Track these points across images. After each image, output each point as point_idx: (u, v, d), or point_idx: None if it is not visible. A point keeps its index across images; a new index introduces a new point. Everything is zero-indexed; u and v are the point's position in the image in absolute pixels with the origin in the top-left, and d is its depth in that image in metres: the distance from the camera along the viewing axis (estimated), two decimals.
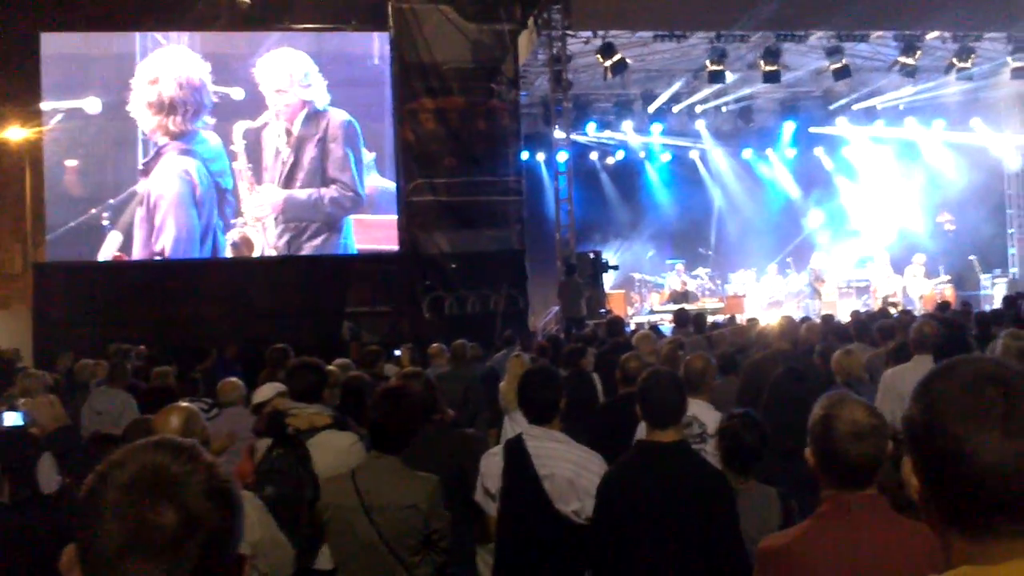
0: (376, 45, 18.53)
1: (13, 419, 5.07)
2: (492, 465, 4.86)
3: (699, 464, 4.17)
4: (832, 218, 25.90)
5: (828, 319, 12.52)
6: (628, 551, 3.99)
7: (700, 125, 24.96)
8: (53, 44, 17.58)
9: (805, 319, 13.42)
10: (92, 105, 17.52)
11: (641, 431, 4.43)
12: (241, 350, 13.10)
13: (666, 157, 25.96)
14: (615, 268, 20.53)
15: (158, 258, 17.56)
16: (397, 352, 11.21)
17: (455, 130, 17.85)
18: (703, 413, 5.50)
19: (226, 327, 15.27)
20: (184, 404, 4.49)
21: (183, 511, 1.44)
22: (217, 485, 1.50)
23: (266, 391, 6.40)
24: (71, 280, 16.84)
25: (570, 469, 4.49)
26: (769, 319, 14.55)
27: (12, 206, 17.50)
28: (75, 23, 17.37)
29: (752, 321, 12.76)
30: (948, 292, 21.40)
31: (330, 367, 8.93)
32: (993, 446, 1.43)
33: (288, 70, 18.19)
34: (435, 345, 10.69)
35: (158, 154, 17.69)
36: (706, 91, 22.70)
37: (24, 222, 17.15)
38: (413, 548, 4.26)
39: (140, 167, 17.66)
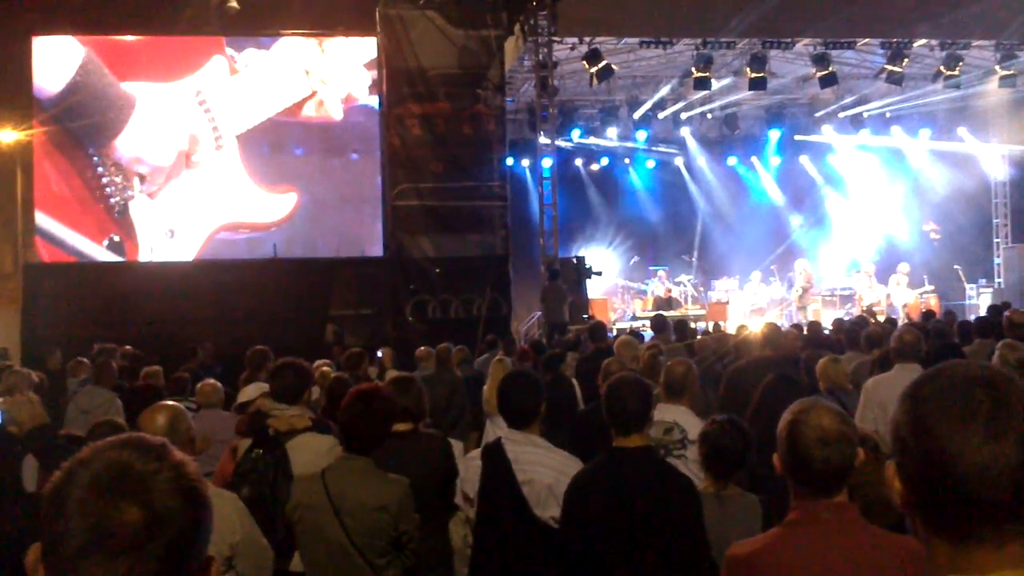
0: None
1: None
2: (471, 469, 4.87)
3: (665, 470, 4.17)
4: (817, 226, 26.01)
5: (813, 327, 12.58)
6: (594, 556, 4.00)
7: (685, 132, 25.04)
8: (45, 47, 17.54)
9: (795, 326, 13.51)
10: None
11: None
12: (220, 350, 13.08)
13: (651, 164, 26.04)
14: (598, 274, 20.57)
15: (146, 260, 17.56)
16: (379, 354, 11.25)
17: (441, 135, 17.88)
18: (684, 419, 5.48)
19: (212, 329, 15.25)
20: (171, 403, 4.51)
21: (148, 510, 1.43)
22: (185, 484, 1.49)
23: (251, 391, 6.43)
24: (61, 281, 16.82)
25: (549, 475, 4.49)
26: (753, 327, 14.61)
27: (3, 207, 17.45)
28: (66, 27, 17.35)
29: (740, 328, 12.82)
30: (932, 302, 21.50)
31: (324, 368, 9.00)
32: (976, 447, 1.42)
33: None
34: (422, 348, 10.74)
35: None
36: (692, 98, 22.78)
37: (15, 223, 17.10)
38: (381, 550, 4.26)
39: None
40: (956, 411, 1.46)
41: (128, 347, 12.29)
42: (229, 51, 18.07)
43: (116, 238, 17.61)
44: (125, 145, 17.61)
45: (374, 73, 18.27)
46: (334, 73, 18.36)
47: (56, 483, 1.47)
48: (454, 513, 5.21)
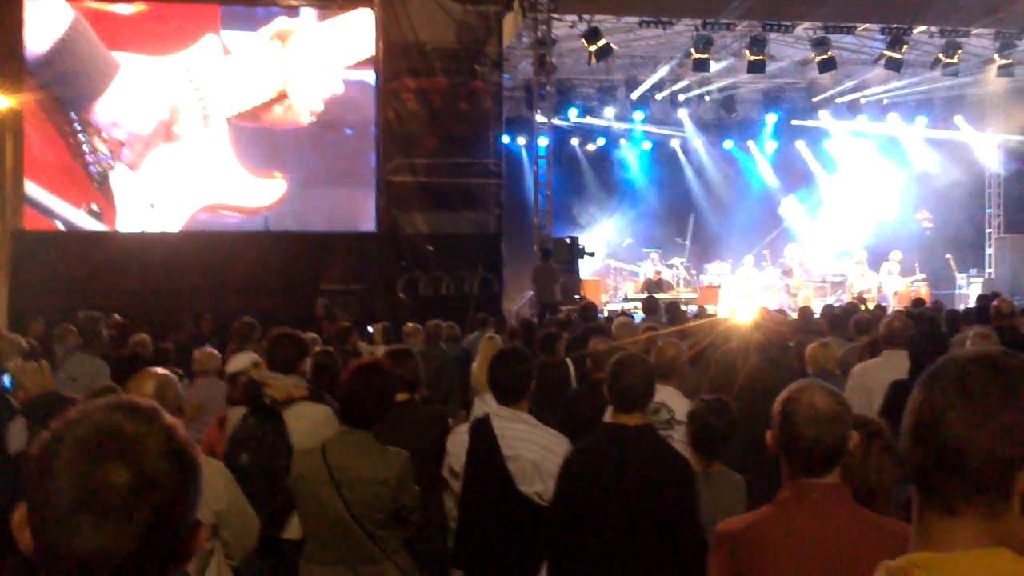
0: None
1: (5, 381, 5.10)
2: (458, 444, 4.91)
3: (662, 448, 4.18)
4: (810, 212, 26.00)
5: (804, 312, 12.58)
6: (586, 532, 4.01)
7: (682, 114, 24.98)
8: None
9: (780, 311, 13.51)
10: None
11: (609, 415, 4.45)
12: (216, 323, 13.05)
13: (647, 145, 25.97)
14: (591, 255, 20.56)
15: (136, 230, 17.47)
16: (370, 329, 11.22)
17: (437, 111, 17.78)
18: (672, 400, 5.51)
19: (202, 300, 15.20)
20: (160, 370, 4.47)
21: (137, 471, 1.41)
22: (175, 447, 1.47)
23: (241, 360, 6.40)
24: (49, 249, 16.73)
25: (536, 451, 4.51)
26: (745, 311, 14.60)
27: None
28: None
29: (732, 312, 12.81)
30: (923, 290, 21.53)
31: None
32: (966, 418, 1.45)
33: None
34: (410, 324, 10.73)
35: None
36: (690, 79, 22.71)
37: (3, 190, 16.97)
38: (381, 522, 4.28)
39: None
40: (956, 384, 1.49)
41: (116, 315, 12.24)
42: (223, 32, 17.90)
43: (96, 207, 17.49)
44: (104, 109, 17.39)
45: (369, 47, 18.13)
46: (324, 53, 18.18)
47: (44, 444, 1.44)
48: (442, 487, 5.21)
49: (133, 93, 17.49)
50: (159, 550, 1.44)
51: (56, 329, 10.26)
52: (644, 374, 4.20)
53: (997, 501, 1.45)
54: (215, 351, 7.61)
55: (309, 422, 5.01)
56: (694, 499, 3.99)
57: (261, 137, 18.17)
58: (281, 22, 18.09)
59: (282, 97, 18.05)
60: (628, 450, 4.04)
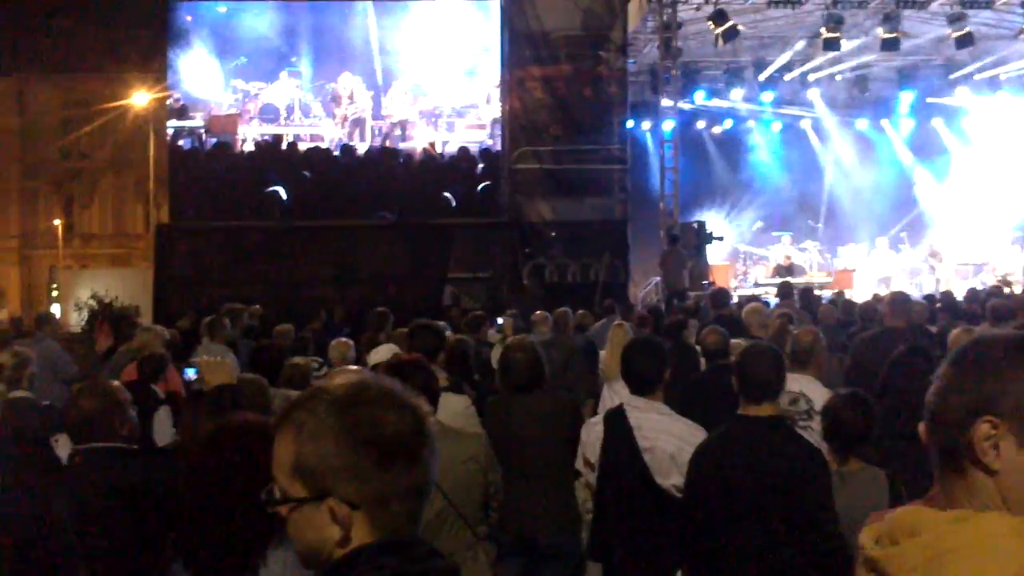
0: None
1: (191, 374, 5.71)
2: (593, 435, 4.86)
3: (794, 440, 4.06)
4: (950, 193, 25.08)
5: (947, 297, 12.19)
6: (718, 526, 3.95)
7: (813, 94, 24.36)
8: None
9: (928, 296, 13.10)
10: None
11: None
12: (348, 312, 13.39)
13: (776, 126, 25.46)
14: (719, 239, 20.26)
15: (273, 223, 18.05)
16: (500, 320, 11.31)
17: (561, 98, 17.82)
18: (811, 389, 5.34)
19: (333, 290, 15.62)
20: (354, 368, 4.62)
21: None
22: None
23: (383, 352, 6.54)
24: (191, 241, 17.42)
25: (672, 443, 4.45)
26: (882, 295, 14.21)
27: (136, 168, 18.13)
28: None
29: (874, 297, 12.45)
30: None
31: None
32: (942, 384, 1.61)
33: None
34: (539, 313, 10.77)
35: None
36: (820, 59, 22.14)
37: (147, 184, 17.76)
38: (478, 503, 4.29)
39: None
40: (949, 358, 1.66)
41: (256, 306, 12.67)
42: None
43: None
44: None
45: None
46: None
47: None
48: (576, 479, 5.24)
49: None
50: None
51: (204, 321, 10.70)
52: (774, 364, 4.09)
53: (959, 457, 1.56)
54: (349, 341, 7.81)
55: (451, 412, 5.01)
56: (828, 493, 3.86)
57: None
58: None
59: None
60: (757, 443, 3.95)
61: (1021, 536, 1.47)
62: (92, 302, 19.04)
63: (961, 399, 1.57)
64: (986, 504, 1.54)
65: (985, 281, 19.89)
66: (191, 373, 5.84)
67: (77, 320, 20.86)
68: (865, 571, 1.57)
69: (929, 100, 24.56)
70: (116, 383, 4.34)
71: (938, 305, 11.59)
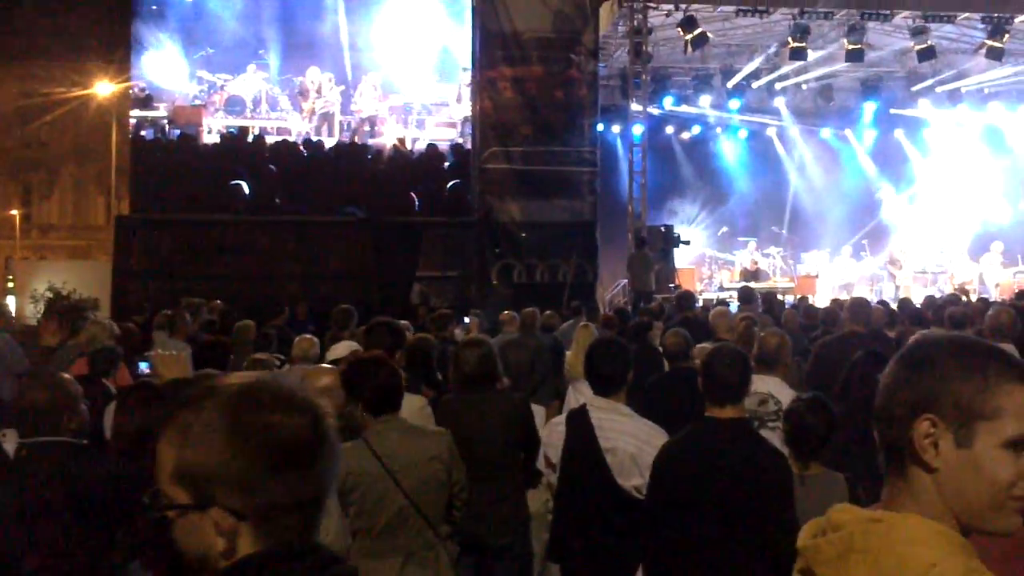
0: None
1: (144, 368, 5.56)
2: (555, 435, 4.85)
3: (757, 443, 4.05)
4: (910, 202, 25.37)
5: (905, 303, 12.29)
6: (678, 528, 3.94)
7: (779, 102, 24.56)
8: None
9: (882, 302, 13.24)
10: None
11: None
12: (311, 309, 13.27)
13: (743, 134, 25.65)
14: (686, 243, 20.36)
15: (236, 216, 17.86)
16: (467, 319, 11.27)
17: (532, 99, 17.83)
18: (779, 391, 5.36)
19: (297, 286, 15.49)
20: (332, 368, 4.55)
21: None
22: None
23: (341, 349, 6.46)
24: (152, 233, 17.21)
25: (633, 444, 4.45)
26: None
27: (97, 159, 17.91)
28: None
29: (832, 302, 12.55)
30: None
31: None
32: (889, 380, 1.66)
33: None
34: (507, 312, 10.76)
35: None
36: (786, 68, 22.31)
37: (108, 176, 17.54)
38: (441, 503, 4.26)
39: None
40: (898, 357, 1.70)
41: (217, 302, 12.52)
42: None
43: None
44: None
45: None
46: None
47: None
48: (538, 479, 5.20)
49: None
50: None
51: (156, 317, 10.56)
52: (740, 367, 4.07)
53: (901, 455, 1.60)
54: (313, 338, 7.69)
55: (406, 412, 4.95)
56: (790, 497, 3.86)
57: None
58: None
59: None
60: (721, 445, 3.94)
61: (929, 545, 1.50)
62: (49, 294, 18.79)
63: (903, 397, 1.61)
64: (923, 503, 1.57)
65: (943, 289, 20.13)
66: (144, 367, 5.69)
67: (33, 312, 20.57)
68: (799, 562, 1.64)
69: (892, 111, 24.84)
70: (67, 376, 4.25)
71: (894, 308, 11.74)
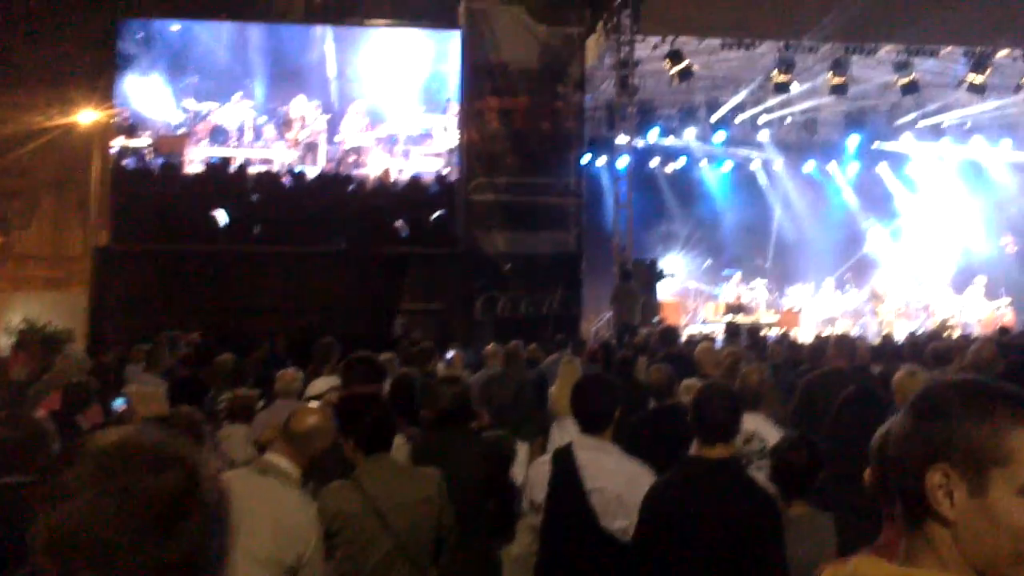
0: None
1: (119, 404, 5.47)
2: (540, 474, 4.73)
3: (746, 483, 3.99)
4: (893, 236, 25.46)
5: (887, 339, 12.27)
6: (667, 570, 3.86)
7: (763, 135, 24.66)
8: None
9: (860, 338, 13.22)
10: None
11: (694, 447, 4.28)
12: (291, 342, 13.11)
13: (728, 166, 25.71)
14: (671, 276, 20.34)
15: (216, 248, 17.71)
16: (450, 354, 11.13)
17: (518, 130, 17.86)
18: (763, 429, 5.31)
19: (277, 319, 15.35)
20: (319, 407, 4.45)
21: None
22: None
23: (321, 384, 6.37)
24: (130, 264, 17.04)
25: (620, 484, 4.34)
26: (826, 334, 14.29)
27: (78, 188, 17.76)
28: (152, 10, 17.63)
29: (816, 337, 12.54)
30: (1008, 316, 20.93)
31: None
32: (898, 429, 1.63)
33: None
34: (491, 346, 10.63)
35: None
36: (771, 101, 22.41)
37: (87, 205, 17.38)
38: (427, 548, 4.16)
39: None
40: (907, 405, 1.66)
41: (195, 335, 12.37)
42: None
43: None
44: None
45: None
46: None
47: None
48: (519, 519, 5.09)
49: None
50: None
51: (132, 350, 10.42)
52: (731, 405, 4.01)
53: (917, 507, 1.55)
54: (297, 372, 7.54)
55: None
56: (780, 538, 3.79)
57: None
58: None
59: None
60: (710, 485, 3.87)
61: None
62: (23, 326, 18.51)
63: (915, 447, 1.56)
64: (944, 558, 1.52)
65: (926, 325, 20.15)
66: (120, 403, 5.55)
67: (7, 345, 20.28)
68: None
69: (875, 145, 24.97)
70: (40, 413, 4.14)
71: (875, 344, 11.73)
